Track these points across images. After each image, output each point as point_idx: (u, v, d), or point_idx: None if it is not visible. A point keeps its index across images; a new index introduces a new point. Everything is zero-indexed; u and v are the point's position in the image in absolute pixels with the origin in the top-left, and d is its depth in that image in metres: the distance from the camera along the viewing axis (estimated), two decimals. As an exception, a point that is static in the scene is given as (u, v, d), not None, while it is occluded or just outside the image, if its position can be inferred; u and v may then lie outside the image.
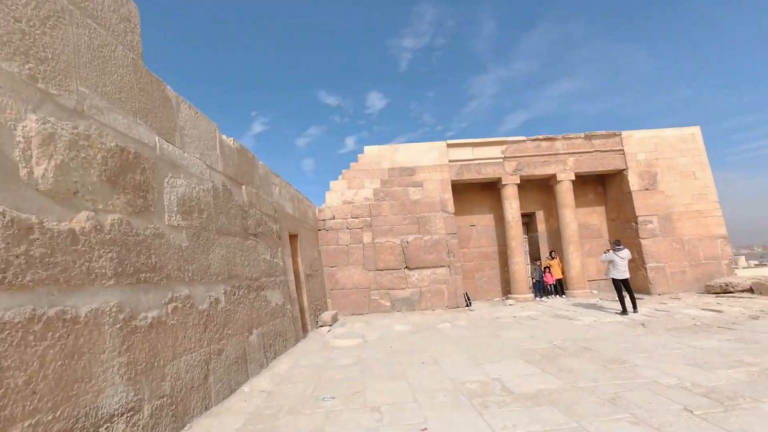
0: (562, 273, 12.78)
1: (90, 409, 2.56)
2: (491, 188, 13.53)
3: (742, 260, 30.89)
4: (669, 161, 12.55)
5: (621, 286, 8.52)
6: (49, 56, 2.62)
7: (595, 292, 12.73)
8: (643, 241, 12.12)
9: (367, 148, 12.57)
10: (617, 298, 8.68)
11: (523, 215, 13.40)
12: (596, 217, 13.69)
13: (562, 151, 12.67)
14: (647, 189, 12.39)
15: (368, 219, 12.08)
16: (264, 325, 5.95)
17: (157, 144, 3.83)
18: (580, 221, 13.06)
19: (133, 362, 3.04)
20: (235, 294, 5.11)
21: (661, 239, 12.16)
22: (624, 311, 8.34)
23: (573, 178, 12.63)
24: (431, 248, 11.95)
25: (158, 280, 3.52)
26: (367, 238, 11.99)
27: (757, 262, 36.11)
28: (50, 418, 2.27)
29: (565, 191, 12.57)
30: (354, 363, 5.73)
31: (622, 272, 8.45)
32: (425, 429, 3.23)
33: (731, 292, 10.55)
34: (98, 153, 2.97)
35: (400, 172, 12.39)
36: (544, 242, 13.75)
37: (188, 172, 4.36)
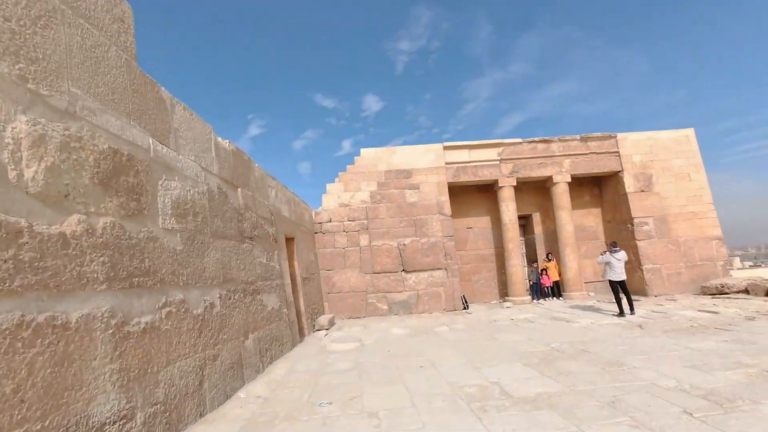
0: (559, 275, 12.80)
1: (81, 417, 2.50)
2: (488, 190, 13.53)
3: (737, 261, 31.10)
4: (664, 163, 12.62)
5: (618, 288, 8.52)
6: (40, 56, 2.57)
7: (592, 293, 12.73)
8: (639, 243, 12.17)
9: (363, 151, 12.55)
10: (614, 300, 8.68)
11: (520, 217, 13.42)
12: (592, 219, 13.73)
13: (558, 153, 12.71)
14: (643, 191, 12.45)
15: (365, 222, 12.04)
16: (260, 329, 5.89)
17: (151, 146, 3.78)
18: (577, 223, 13.10)
19: (126, 369, 2.98)
20: (230, 298, 5.05)
21: (657, 241, 12.21)
22: (621, 313, 8.35)
23: (569, 180, 12.68)
24: (428, 251, 11.92)
25: (152, 285, 3.46)
26: (363, 240, 11.95)
27: (751, 263, 36.42)
28: (39, 427, 2.21)
29: (562, 193, 12.61)
30: (351, 367, 5.68)
31: (619, 274, 8.47)
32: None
33: (727, 293, 10.59)
34: (90, 155, 2.91)
35: (397, 175, 12.37)
36: (541, 244, 13.77)
37: (183, 174, 4.31)
